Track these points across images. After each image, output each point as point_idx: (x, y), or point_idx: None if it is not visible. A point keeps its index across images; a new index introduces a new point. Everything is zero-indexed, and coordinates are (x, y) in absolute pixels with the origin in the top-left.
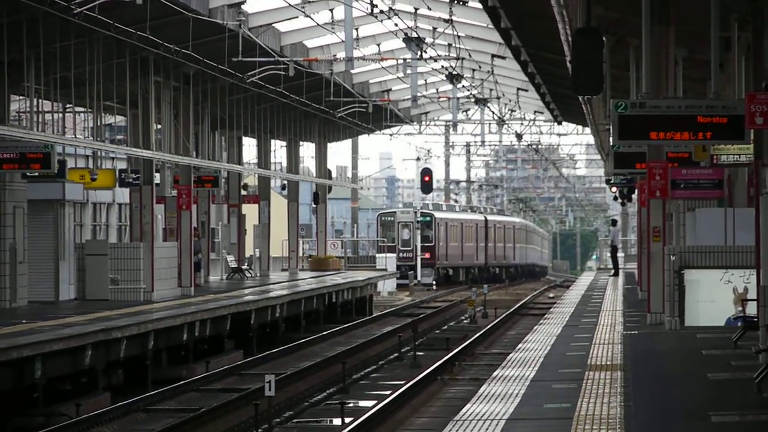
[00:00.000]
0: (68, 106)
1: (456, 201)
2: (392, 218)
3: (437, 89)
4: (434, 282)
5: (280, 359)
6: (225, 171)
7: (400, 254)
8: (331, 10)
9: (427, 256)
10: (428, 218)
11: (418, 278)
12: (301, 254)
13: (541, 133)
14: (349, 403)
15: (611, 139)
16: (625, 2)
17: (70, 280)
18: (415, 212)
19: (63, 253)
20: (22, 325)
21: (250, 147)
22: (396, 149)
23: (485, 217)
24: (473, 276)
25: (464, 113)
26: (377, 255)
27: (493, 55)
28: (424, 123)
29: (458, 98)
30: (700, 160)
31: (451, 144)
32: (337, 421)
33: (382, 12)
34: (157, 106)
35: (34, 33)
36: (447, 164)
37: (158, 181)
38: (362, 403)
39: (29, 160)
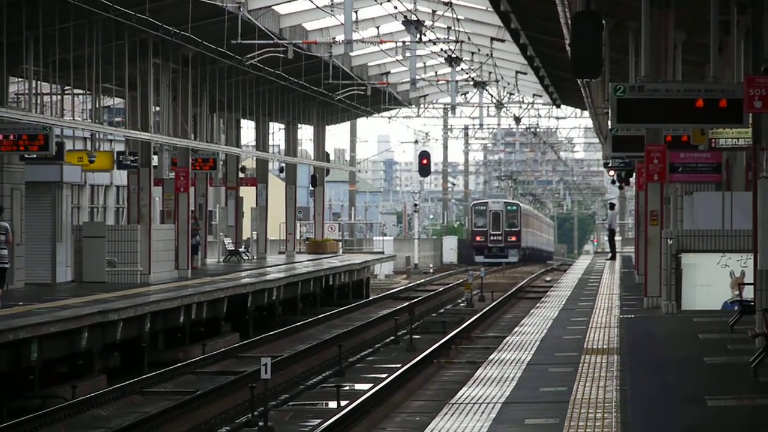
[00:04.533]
0: (67, 88)
1: (453, 185)
2: (484, 207)
3: (436, 72)
4: (432, 267)
5: (276, 342)
6: (223, 153)
7: (491, 237)
8: None
9: (513, 239)
10: (515, 207)
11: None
12: (298, 237)
13: (540, 116)
14: (345, 386)
15: (610, 122)
16: None
17: (67, 262)
18: (505, 203)
19: (60, 235)
20: (19, 307)
21: (248, 129)
22: (394, 132)
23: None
24: (540, 257)
25: (463, 96)
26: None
27: (492, 38)
28: (422, 106)
29: (457, 81)
30: (699, 143)
31: (449, 127)
32: (333, 404)
33: None
34: (155, 89)
35: (34, 15)
36: (445, 147)
37: (156, 164)
38: (358, 386)
39: (27, 142)
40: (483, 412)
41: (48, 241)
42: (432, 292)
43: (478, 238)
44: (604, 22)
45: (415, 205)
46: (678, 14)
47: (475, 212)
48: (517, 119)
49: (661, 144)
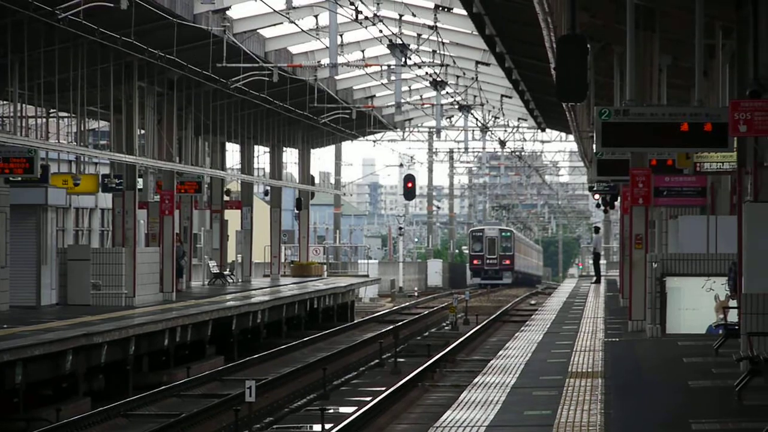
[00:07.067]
0: (52, 111)
1: (438, 208)
2: (481, 233)
3: (421, 96)
4: (417, 290)
5: (261, 365)
6: (208, 176)
7: (487, 261)
8: (316, 17)
9: (507, 262)
10: (509, 233)
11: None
12: (283, 260)
13: (525, 140)
14: (330, 409)
15: (594, 146)
16: (609, 9)
17: (52, 284)
18: (500, 229)
19: (45, 258)
20: (3, 329)
21: (233, 152)
22: (379, 155)
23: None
24: (530, 281)
25: (448, 120)
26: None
27: (477, 62)
28: (407, 129)
29: (442, 105)
30: (683, 167)
31: (434, 150)
32: (317, 428)
33: (366, 18)
34: (140, 112)
35: (19, 38)
36: (430, 171)
37: (141, 187)
38: (342, 409)
39: (12, 164)
40: None
41: (33, 263)
42: (417, 316)
43: (475, 262)
44: (589, 45)
45: (400, 228)
46: (663, 38)
47: (473, 238)
48: (502, 143)
49: (646, 168)
